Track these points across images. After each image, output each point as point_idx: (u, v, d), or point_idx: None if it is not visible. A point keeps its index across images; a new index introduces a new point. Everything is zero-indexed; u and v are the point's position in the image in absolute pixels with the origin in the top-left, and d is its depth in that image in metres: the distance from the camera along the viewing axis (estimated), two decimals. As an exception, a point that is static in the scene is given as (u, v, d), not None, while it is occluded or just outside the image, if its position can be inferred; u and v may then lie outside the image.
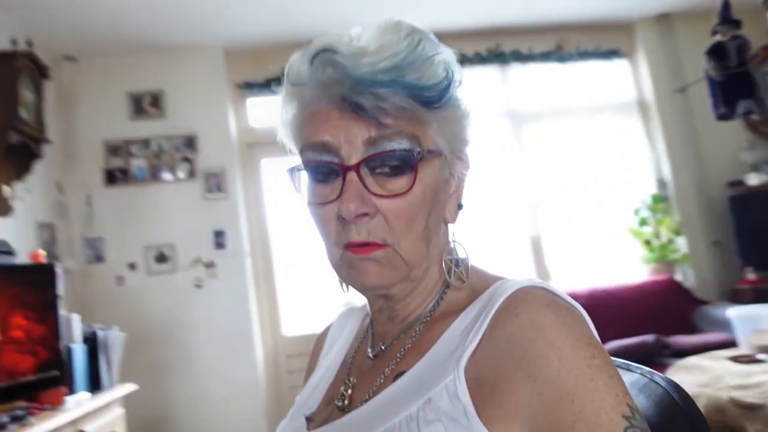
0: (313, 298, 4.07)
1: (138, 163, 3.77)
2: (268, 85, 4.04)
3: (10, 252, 2.21)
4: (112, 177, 3.75)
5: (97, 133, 3.78)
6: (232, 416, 3.57)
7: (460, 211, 0.64)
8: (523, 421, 0.46)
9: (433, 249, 0.61)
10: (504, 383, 0.48)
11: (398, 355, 0.60)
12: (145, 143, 3.80)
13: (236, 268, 3.76)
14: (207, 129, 3.86)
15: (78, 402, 1.89)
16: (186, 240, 3.75)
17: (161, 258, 3.72)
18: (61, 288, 1.94)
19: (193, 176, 3.82)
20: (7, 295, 1.74)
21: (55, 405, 1.81)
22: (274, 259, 4.06)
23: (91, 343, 2.14)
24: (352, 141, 0.54)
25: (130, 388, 2.34)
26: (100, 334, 2.20)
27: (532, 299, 0.51)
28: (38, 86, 3.10)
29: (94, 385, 2.09)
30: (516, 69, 4.31)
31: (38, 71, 3.09)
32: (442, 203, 0.61)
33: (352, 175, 0.54)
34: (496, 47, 4.25)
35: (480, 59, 4.21)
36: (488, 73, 4.29)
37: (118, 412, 2.20)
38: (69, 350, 1.97)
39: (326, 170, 0.57)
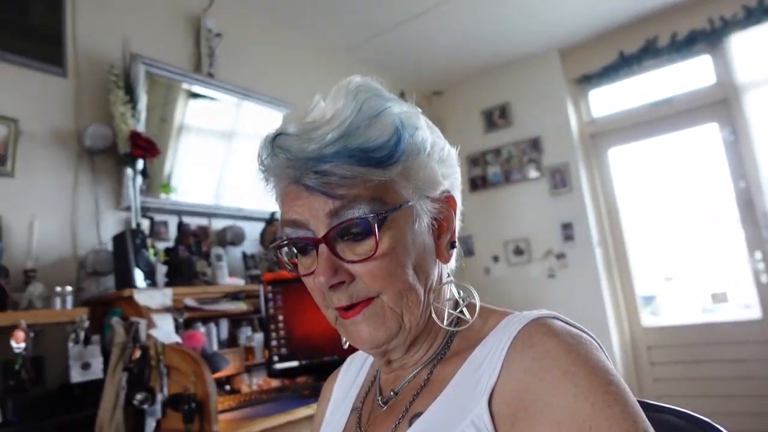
0: (674, 287, 3.83)
1: (493, 170, 4.39)
2: (606, 72, 4.03)
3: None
4: (474, 184, 4.48)
5: (462, 149, 4.55)
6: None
7: (454, 250, 0.65)
8: None
9: (429, 294, 0.61)
10: (523, 414, 0.48)
11: (411, 398, 0.61)
12: (497, 152, 4.37)
13: (586, 258, 3.92)
14: (549, 129, 4.15)
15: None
16: (538, 234, 4.14)
17: (518, 251, 4.23)
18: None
19: (540, 175, 4.17)
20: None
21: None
22: (628, 249, 4.00)
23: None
24: (316, 215, 0.56)
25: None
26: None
27: (546, 330, 0.52)
28: (411, 124, 4.05)
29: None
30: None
31: (410, 113, 4.04)
32: (427, 249, 0.61)
33: (322, 247, 0.56)
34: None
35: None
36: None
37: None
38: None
39: (304, 245, 0.59)
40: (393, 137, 0.55)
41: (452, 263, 0.67)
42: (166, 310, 1.94)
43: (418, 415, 0.58)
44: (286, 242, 0.60)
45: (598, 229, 4.03)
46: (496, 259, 4.33)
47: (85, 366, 1.81)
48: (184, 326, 1.95)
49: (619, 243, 4.05)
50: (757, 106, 3.46)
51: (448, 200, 0.64)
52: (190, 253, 2.26)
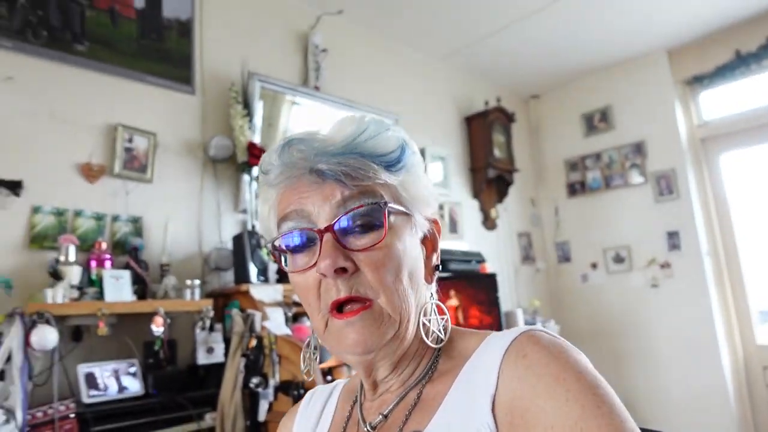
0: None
1: (593, 175, 4.28)
2: (720, 72, 3.80)
3: (482, 260, 3.15)
4: (572, 189, 4.40)
5: (559, 153, 4.50)
6: (697, 419, 3.57)
7: (437, 273, 0.66)
8: None
9: (416, 308, 0.61)
10: (520, 421, 0.50)
11: (404, 418, 0.60)
12: (597, 156, 4.26)
13: (693, 268, 3.72)
14: (655, 133, 3.98)
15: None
16: (640, 242, 3.99)
17: (618, 259, 4.09)
18: (499, 291, 2.71)
19: (644, 180, 4.01)
20: (468, 294, 2.62)
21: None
22: (742, 260, 3.74)
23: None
24: (323, 204, 0.57)
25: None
26: (539, 324, 2.85)
27: (536, 341, 0.54)
28: (507, 129, 4.07)
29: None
30: None
31: (506, 118, 4.06)
32: (419, 262, 0.62)
33: (327, 236, 0.56)
34: None
35: None
36: None
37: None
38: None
39: (303, 239, 0.59)
40: (398, 148, 0.60)
41: (433, 286, 0.66)
42: (278, 304, 2.14)
43: None
44: (285, 235, 0.60)
45: (708, 238, 3.80)
46: (594, 266, 4.21)
47: (209, 350, 2.06)
48: (292, 320, 2.15)
49: (732, 253, 3.79)
50: None
51: (435, 223, 0.66)
52: (297, 253, 2.47)
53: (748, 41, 3.66)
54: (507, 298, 3.79)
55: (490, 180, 3.90)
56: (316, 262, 0.57)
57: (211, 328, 2.08)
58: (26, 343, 1.64)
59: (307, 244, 0.59)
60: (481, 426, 0.52)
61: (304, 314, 2.33)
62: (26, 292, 1.90)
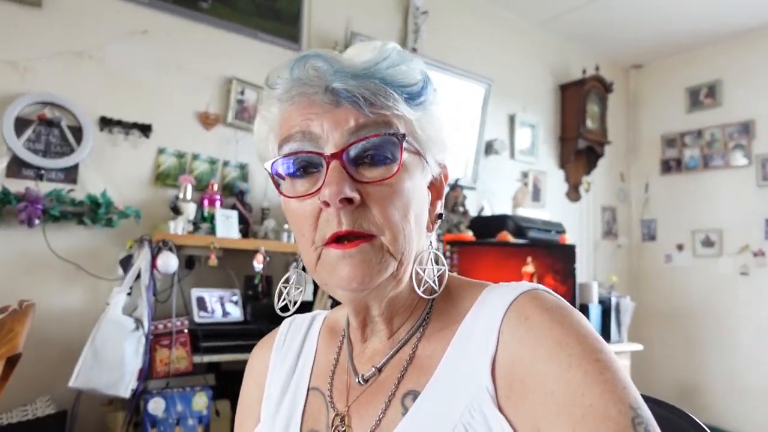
0: None
1: (690, 153, 4.09)
2: None
3: (561, 230, 3.16)
4: (667, 166, 4.23)
5: (656, 128, 4.32)
6: (772, 412, 3.47)
7: (439, 222, 0.62)
8: (538, 420, 0.47)
9: (415, 253, 0.57)
10: (518, 386, 0.49)
11: (399, 376, 0.57)
12: (698, 134, 4.05)
13: (791, 260, 3.53)
14: (766, 113, 3.73)
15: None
16: (735, 226, 3.81)
17: (707, 242, 3.94)
18: (580, 262, 2.74)
19: (747, 163, 3.79)
20: (545, 262, 2.68)
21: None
22: None
23: (606, 305, 2.84)
24: (334, 129, 0.52)
25: (636, 347, 2.90)
26: (614, 300, 2.86)
27: (539, 302, 0.52)
28: (603, 100, 3.96)
29: (605, 337, 2.79)
30: None
31: (603, 88, 3.94)
32: (426, 206, 0.59)
33: (335, 163, 0.51)
34: None
35: None
36: None
37: (623, 362, 2.81)
38: (585, 307, 2.74)
39: (307, 163, 0.54)
40: (421, 81, 0.56)
41: (432, 235, 0.63)
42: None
43: (411, 393, 0.55)
44: (287, 156, 0.54)
45: (813, 229, 3.58)
46: (680, 247, 4.09)
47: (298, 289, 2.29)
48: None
49: (839, 248, 3.55)
50: None
51: (444, 169, 0.62)
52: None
53: None
54: (584, 270, 3.79)
55: (579, 151, 3.85)
56: (319, 189, 0.52)
57: (304, 269, 2.30)
58: (152, 265, 1.93)
59: (310, 169, 0.54)
60: (480, 389, 0.50)
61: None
62: (151, 222, 2.20)
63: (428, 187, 0.59)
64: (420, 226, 0.56)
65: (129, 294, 1.91)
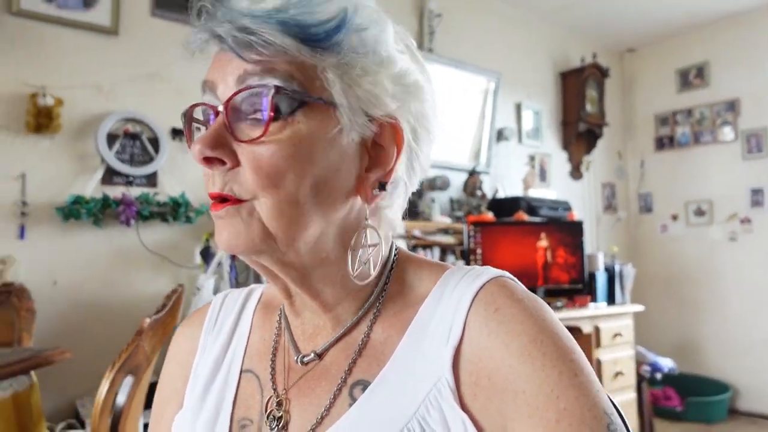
0: None
1: (682, 130, 4.44)
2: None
3: (568, 208, 3.52)
4: (660, 143, 4.59)
5: (650, 108, 4.67)
6: (756, 362, 3.89)
7: (383, 192, 0.52)
8: (507, 421, 0.44)
9: (343, 231, 0.51)
10: (486, 382, 0.46)
11: (349, 363, 0.52)
12: (689, 112, 4.40)
13: (774, 225, 3.92)
14: (750, 91, 4.07)
15: (596, 307, 3.02)
16: (723, 197, 4.19)
17: (699, 212, 4.32)
18: (586, 236, 3.11)
19: (733, 138, 4.15)
20: (556, 237, 3.04)
21: (582, 305, 3.00)
22: (826, 219, 3.89)
23: (611, 272, 3.22)
24: (225, 79, 0.47)
25: (638, 308, 3.28)
26: (617, 267, 3.24)
27: (510, 292, 0.49)
28: (600, 85, 4.30)
29: (611, 300, 3.17)
30: None
31: (600, 74, 4.27)
32: (345, 173, 0.49)
33: (219, 117, 0.47)
34: None
35: None
36: None
37: (627, 321, 3.19)
38: (593, 275, 3.11)
39: (206, 111, 0.50)
40: (334, 20, 0.46)
41: (392, 213, 0.56)
42: (401, 236, 2.68)
43: (360, 383, 0.51)
44: (190, 107, 0.51)
45: (793, 196, 3.95)
46: (674, 218, 4.47)
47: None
48: (411, 250, 2.69)
49: (817, 213, 3.94)
50: None
51: (393, 128, 0.51)
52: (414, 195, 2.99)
53: None
54: (588, 242, 4.15)
55: (580, 133, 4.19)
56: None
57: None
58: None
59: (210, 116, 0.49)
60: (440, 382, 0.47)
61: (419, 246, 2.87)
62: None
63: (361, 148, 0.50)
64: (326, 195, 0.48)
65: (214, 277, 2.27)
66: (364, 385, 0.50)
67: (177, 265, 2.42)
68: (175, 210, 2.36)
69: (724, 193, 4.19)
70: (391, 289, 0.55)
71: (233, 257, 2.28)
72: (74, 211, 2.13)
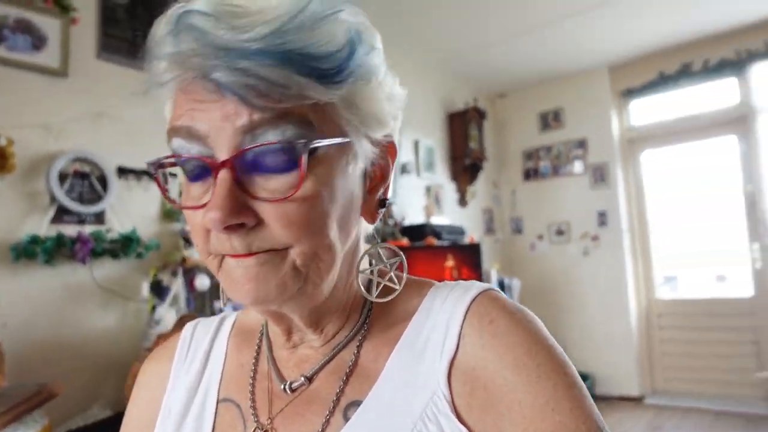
0: (688, 269, 4.75)
1: (544, 164, 5.30)
2: (646, 88, 4.86)
3: (462, 232, 4.09)
4: (527, 175, 5.41)
5: (518, 144, 5.49)
6: (609, 353, 4.77)
7: (383, 210, 0.51)
8: None
9: (347, 257, 0.50)
10: (481, 393, 0.46)
11: (340, 385, 0.50)
12: (548, 149, 5.28)
13: (615, 241, 4.85)
14: (594, 132, 5.02)
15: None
16: (577, 219, 5.08)
17: (559, 232, 5.17)
18: (484, 255, 3.69)
19: (584, 170, 5.07)
20: (459, 257, 3.57)
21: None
22: (651, 236, 4.92)
23: (501, 286, 3.83)
24: (223, 128, 0.40)
25: (523, 315, 3.93)
26: (506, 282, 3.85)
27: (502, 305, 0.49)
28: (480, 125, 4.99)
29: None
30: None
31: (479, 116, 4.97)
32: (355, 201, 0.48)
33: (224, 174, 0.41)
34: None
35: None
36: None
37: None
38: (488, 288, 3.70)
39: (196, 165, 0.44)
40: (345, 48, 0.42)
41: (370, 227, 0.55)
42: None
43: (353, 403, 0.48)
44: (172, 160, 0.45)
45: (628, 218, 4.94)
46: (540, 237, 5.29)
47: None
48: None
49: (644, 230, 4.96)
50: (767, 125, 4.29)
51: (388, 147, 0.51)
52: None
53: (669, 65, 4.72)
54: (475, 261, 4.80)
55: (465, 167, 4.83)
56: (204, 205, 0.43)
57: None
58: (191, 285, 2.43)
59: (204, 172, 0.44)
60: (435, 395, 0.46)
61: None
62: (162, 251, 2.66)
63: (364, 174, 0.50)
64: (347, 226, 0.48)
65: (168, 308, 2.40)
66: (357, 404, 0.49)
67: (126, 298, 2.49)
68: (127, 246, 2.45)
69: (578, 216, 5.08)
70: (376, 306, 0.54)
71: (191, 290, 2.43)
72: (30, 250, 2.15)
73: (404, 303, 0.53)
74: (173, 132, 0.44)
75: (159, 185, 0.48)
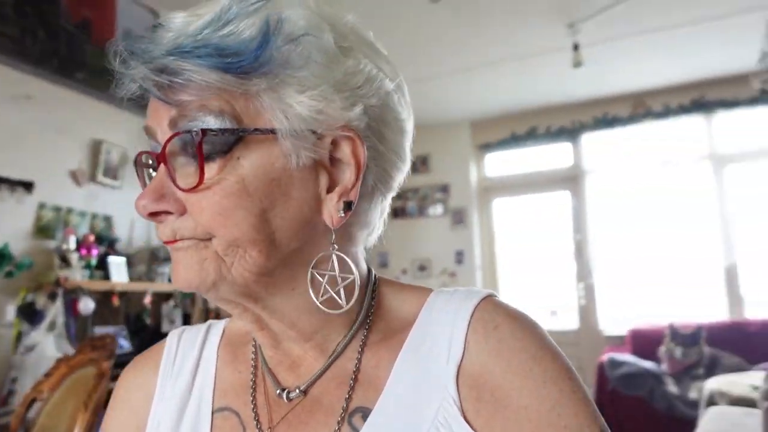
0: (526, 303, 5.42)
1: (411, 204, 5.72)
2: (500, 144, 5.53)
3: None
4: (396, 213, 5.78)
5: (388, 183, 5.84)
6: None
7: (349, 213, 0.47)
8: None
9: (295, 257, 0.47)
10: (488, 397, 0.46)
11: (346, 393, 0.49)
12: (416, 191, 5.71)
13: (470, 277, 5.37)
14: (456, 179, 5.56)
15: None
16: (438, 256, 5.53)
17: (422, 267, 5.58)
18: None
19: (445, 213, 5.57)
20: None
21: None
22: (499, 272, 5.54)
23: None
24: (159, 125, 0.44)
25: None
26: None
27: (506, 311, 0.50)
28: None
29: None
30: (721, 115, 4.81)
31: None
32: (300, 201, 0.46)
33: (162, 167, 0.44)
34: (700, 98, 4.83)
35: (684, 109, 4.87)
36: (692, 121, 4.91)
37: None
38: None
39: (154, 164, 0.48)
40: (256, 39, 0.42)
41: (368, 230, 0.56)
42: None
43: (359, 410, 0.48)
44: (138, 154, 0.49)
45: (481, 257, 5.52)
46: (404, 271, 5.65)
47: (172, 322, 2.79)
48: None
49: (494, 268, 5.57)
50: (592, 185, 5.16)
51: (349, 140, 0.46)
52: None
53: (520, 127, 5.45)
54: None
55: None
56: None
57: (175, 305, 2.81)
58: (73, 309, 2.25)
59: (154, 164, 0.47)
60: (445, 400, 0.46)
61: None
62: (34, 272, 2.42)
63: (317, 169, 0.47)
64: (283, 225, 0.45)
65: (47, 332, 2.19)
66: (364, 412, 0.48)
67: (-9, 323, 2.22)
68: (-4, 263, 2.20)
69: (438, 253, 5.54)
70: (375, 313, 0.53)
71: (73, 314, 2.24)
72: None
73: (402, 310, 0.54)
74: (145, 133, 0.48)
75: (140, 181, 0.51)
